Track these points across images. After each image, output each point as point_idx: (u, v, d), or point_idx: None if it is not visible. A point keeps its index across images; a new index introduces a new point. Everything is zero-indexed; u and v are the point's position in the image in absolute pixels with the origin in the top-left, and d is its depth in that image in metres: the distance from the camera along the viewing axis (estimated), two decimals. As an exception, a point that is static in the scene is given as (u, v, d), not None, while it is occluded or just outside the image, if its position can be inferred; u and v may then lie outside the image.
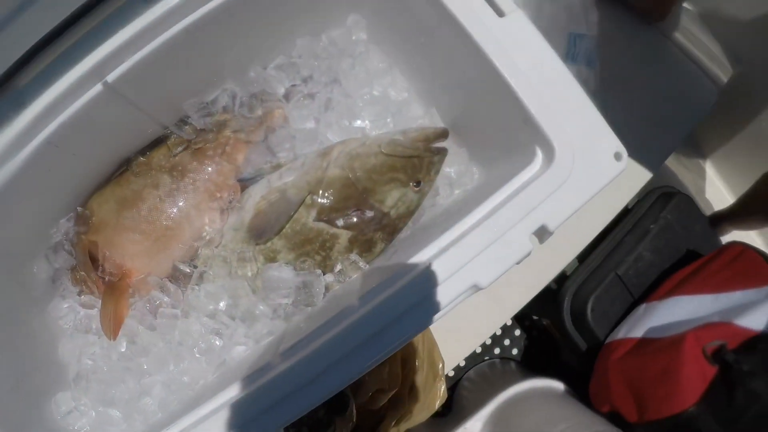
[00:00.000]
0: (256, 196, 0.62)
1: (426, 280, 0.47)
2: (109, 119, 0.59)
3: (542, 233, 0.48)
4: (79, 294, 0.69)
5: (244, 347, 0.63)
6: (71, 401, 0.63)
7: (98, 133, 0.60)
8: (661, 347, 0.73)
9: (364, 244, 0.60)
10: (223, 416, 0.47)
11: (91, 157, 0.63)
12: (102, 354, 0.66)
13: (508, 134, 0.55)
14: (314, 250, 0.59)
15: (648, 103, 0.92)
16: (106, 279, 0.66)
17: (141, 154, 0.65)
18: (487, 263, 0.46)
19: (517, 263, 0.48)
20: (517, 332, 1.14)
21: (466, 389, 0.95)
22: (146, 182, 0.64)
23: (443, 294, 0.47)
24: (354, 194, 0.58)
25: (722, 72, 0.97)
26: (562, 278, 0.88)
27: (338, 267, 0.60)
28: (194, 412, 0.49)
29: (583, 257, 0.87)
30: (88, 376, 0.64)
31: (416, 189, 0.59)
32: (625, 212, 0.90)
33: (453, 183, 0.63)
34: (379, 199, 0.58)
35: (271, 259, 0.61)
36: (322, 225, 0.59)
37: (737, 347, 0.69)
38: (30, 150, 0.55)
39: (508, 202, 0.48)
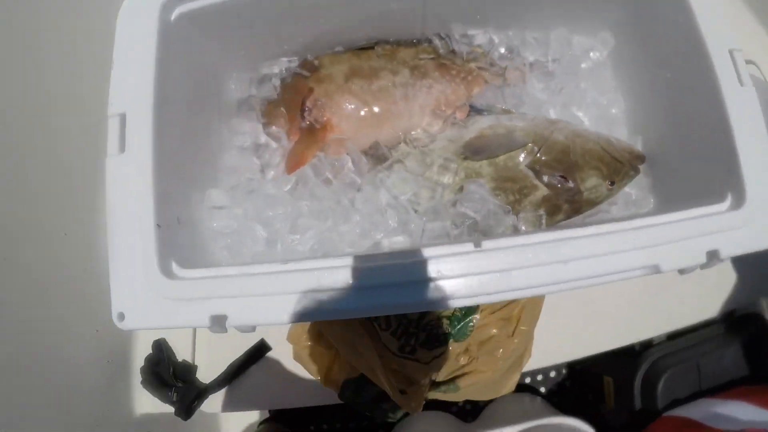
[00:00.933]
0: (483, 123, 0.71)
1: (611, 242, 0.54)
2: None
3: (713, 257, 0.55)
4: (265, 126, 0.75)
5: (405, 238, 0.70)
6: (224, 200, 0.67)
7: (383, 5, 0.69)
8: None
9: (551, 206, 0.69)
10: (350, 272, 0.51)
11: (354, 20, 0.71)
12: (262, 181, 0.72)
13: (703, 180, 0.65)
14: (512, 190, 0.68)
15: None
16: (307, 123, 0.74)
17: (389, 43, 0.75)
18: (667, 255, 0.54)
19: (683, 270, 0.56)
20: (567, 378, 1.23)
21: (499, 405, 1.02)
22: (386, 66, 0.73)
23: (627, 260, 0.54)
24: (566, 161, 0.68)
25: None
26: (647, 345, 0.98)
27: (522, 214, 0.71)
28: (329, 260, 0.53)
29: (673, 336, 0.97)
30: (248, 190, 0.69)
31: (609, 187, 0.70)
32: (730, 313, 0.99)
33: (629, 202, 0.73)
34: (582, 177, 0.69)
35: (471, 177, 0.69)
36: (530, 172, 0.68)
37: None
38: None
39: (695, 219, 0.56)
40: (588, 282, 0.54)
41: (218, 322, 0.52)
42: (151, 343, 0.92)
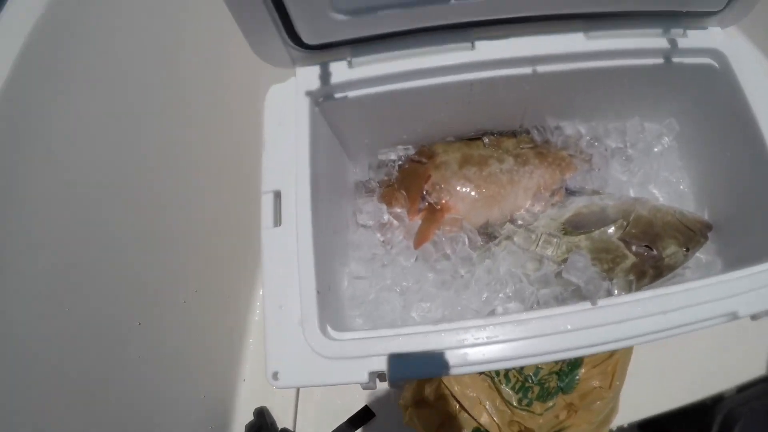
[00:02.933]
0: (579, 202, 0.90)
1: (700, 294, 0.70)
2: (506, 96, 0.90)
3: None
4: (388, 207, 0.96)
5: (517, 305, 0.91)
6: (363, 271, 0.86)
7: (491, 102, 0.90)
8: None
9: (639, 272, 0.87)
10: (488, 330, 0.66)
11: (470, 114, 0.92)
12: (386, 256, 0.91)
13: (763, 242, 0.84)
14: (606, 259, 0.87)
15: None
16: (428, 205, 0.96)
17: (495, 134, 0.98)
18: (745, 302, 0.69)
19: (755, 316, 0.70)
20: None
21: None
22: (493, 154, 0.93)
23: (707, 310, 0.69)
24: (650, 233, 0.87)
25: None
26: (718, 399, 1.12)
27: (615, 280, 0.93)
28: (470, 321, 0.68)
29: (742, 389, 1.13)
30: (381, 264, 0.89)
31: (685, 253, 0.89)
32: None
33: (700, 266, 0.92)
34: (663, 246, 0.87)
35: (571, 250, 0.88)
36: (620, 243, 0.87)
37: None
38: (453, 79, 0.84)
39: (762, 272, 0.71)
40: (681, 330, 0.69)
41: (374, 378, 0.65)
42: (253, 411, 1.08)
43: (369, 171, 0.96)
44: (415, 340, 0.66)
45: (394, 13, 0.74)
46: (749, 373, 1.13)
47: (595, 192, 0.94)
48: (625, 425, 1.39)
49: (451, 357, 0.65)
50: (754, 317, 0.70)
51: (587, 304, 0.68)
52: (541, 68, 0.87)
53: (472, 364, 0.65)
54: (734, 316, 0.68)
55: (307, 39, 0.78)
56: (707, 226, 0.93)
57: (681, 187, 0.99)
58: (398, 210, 0.92)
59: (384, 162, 0.96)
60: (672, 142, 1.01)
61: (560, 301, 0.87)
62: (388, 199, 0.93)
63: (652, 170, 0.98)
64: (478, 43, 0.84)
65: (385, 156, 0.96)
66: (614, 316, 0.67)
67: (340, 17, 0.73)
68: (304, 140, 0.78)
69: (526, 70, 0.86)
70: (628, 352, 0.97)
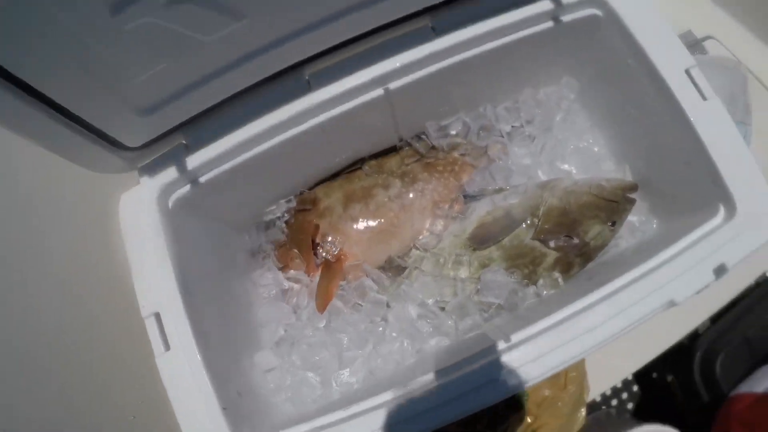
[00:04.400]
0: (481, 210, 0.82)
1: (625, 296, 0.66)
2: (369, 121, 0.81)
3: (721, 270, 0.67)
4: (283, 270, 0.91)
5: (443, 338, 0.86)
6: (273, 360, 0.80)
7: (355, 130, 0.81)
8: None
9: (565, 265, 0.80)
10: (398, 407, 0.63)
11: (338, 148, 0.84)
12: (299, 325, 0.84)
13: (693, 194, 0.76)
14: (524, 264, 0.80)
15: None
16: (323, 259, 0.89)
17: (374, 158, 0.88)
18: (680, 287, 0.66)
19: (697, 291, 0.67)
20: (635, 388, 1.37)
21: None
22: (377, 182, 0.85)
23: (641, 308, 0.65)
24: (566, 222, 0.79)
25: None
26: (694, 336, 1.11)
27: (540, 281, 0.86)
28: (372, 399, 0.64)
29: (715, 319, 1.11)
30: (290, 342, 0.82)
31: (611, 228, 0.81)
32: (759, 284, 1.14)
33: (634, 230, 0.84)
34: (584, 230, 0.80)
35: (485, 265, 0.80)
36: (536, 243, 0.79)
37: None
38: (301, 129, 0.76)
39: (697, 243, 0.68)
40: (613, 339, 0.65)
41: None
42: None
43: (260, 235, 0.89)
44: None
45: (205, 87, 0.68)
46: (718, 302, 1.08)
47: (498, 190, 0.86)
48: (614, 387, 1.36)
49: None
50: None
51: (502, 342, 0.66)
52: (394, 85, 0.79)
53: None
54: (672, 304, 0.66)
55: (131, 143, 0.71)
56: (631, 188, 0.85)
57: (595, 149, 0.90)
58: (294, 272, 0.85)
59: (272, 221, 0.89)
60: (574, 104, 0.91)
61: (484, 326, 0.81)
62: (283, 260, 0.87)
63: (558, 142, 0.88)
64: (314, 81, 0.76)
65: (271, 215, 0.89)
66: (531, 353, 0.65)
67: (151, 111, 0.67)
68: (163, 251, 0.72)
69: (377, 92, 0.78)
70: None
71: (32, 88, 0.54)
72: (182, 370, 0.67)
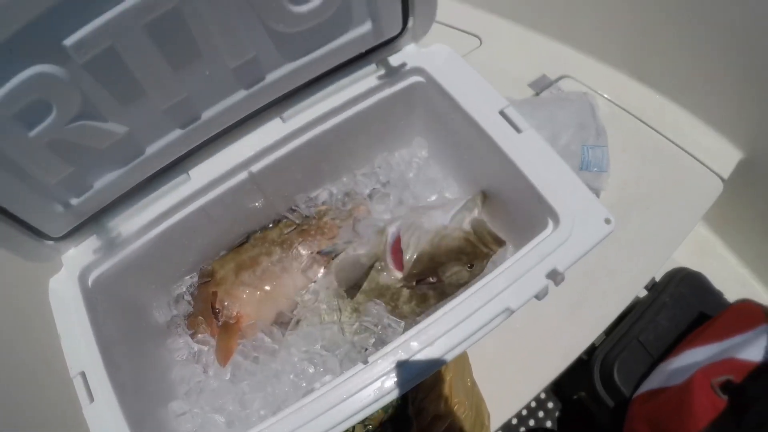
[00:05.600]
0: (337, 261, 0.97)
1: (467, 307, 0.75)
2: (243, 201, 0.97)
3: (554, 275, 0.76)
4: (193, 336, 1.06)
5: (330, 376, 0.99)
6: (184, 406, 0.93)
7: (234, 210, 0.97)
8: (676, 389, 1.00)
9: (420, 297, 0.93)
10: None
11: (226, 227, 1.01)
12: (207, 380, 0.98)
13: (529, 216, 0.86)
14: (386, 301, 0.93)
15: (657, 198, 1.31)
16: (221, 321, 1.05)
17: (259, 230, 1.05)
18: (514, 294, 0.75)
19: (537, 297, 0.76)
20: (551, 404, 1.45)
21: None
22: (261, 251, 1.01)
23: (482, 315, 0.74)
24: (432, 266, 0.92)
25: (725, 163, 1.34)
26: (592, 350, 1.20)
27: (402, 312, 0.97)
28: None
29: (609, 332, 1.20)
30: (198, 391, 0.96)
31: (468, 269, 0.93)
32: (652, 283, 1.25)
33: (495, 261, 0.95)
34: (443, 270, 0.92)
35: (355, 309, 0.94)
36: (390, 281, 0.93)
37: (742, 380, 0.93)
38: (187, 212, 0.92)
39: (527, 253, 0.77)
40: (459, 348, 0.74)
41: None
42: None
43: (171, 308, 1.06)
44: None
45: (107, 185, 0.85)
46: (611, 312, 1.19)
47: (347, 243, 1.00)
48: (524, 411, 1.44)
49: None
50: (537, 297, 0.77)
51: (360, 365, 0.75)
52: (256, 167, 0.95)
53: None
54: (509, 311, 0.74)
55: (53, 233, 0.87)
56: (499, 241, 0.96)
57: (447, 195, 1.05)
58: (202, 335, 1.01)
59: (180, 295, 1.05)
60: (425, 160, 1.06)
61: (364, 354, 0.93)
62: (192, 326, 1.02)
63: (412, 195, 1.03)
64: (192, 172, 0.93)
65: (179, 289, 1.05)
66: (381, 370, 0.74)
67: (66, 206, 0.84)
68: (85, 321, 0.86)
69: (242, 175, 0.95)
70: (460, 368, 1.03)
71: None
72: (105, 417, 0.79)
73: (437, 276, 0.95)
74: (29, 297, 0.98)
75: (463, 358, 1.06)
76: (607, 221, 0.79)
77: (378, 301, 0.97)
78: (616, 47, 1.42)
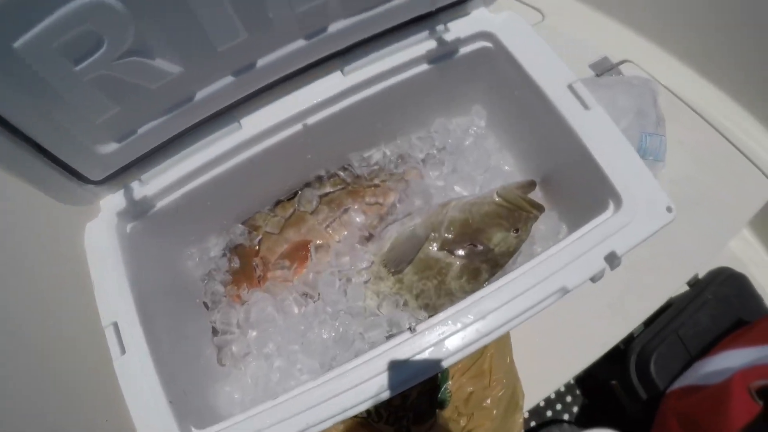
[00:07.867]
0: (392, 232, 0.94)
1: (522, 283, 0.74)
2: (294, 155, 0.94)
3: (612, 258, 0.74)
4: (226, 285, 1.01)
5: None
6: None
7: (284, 163, 0.94)
8: (713, 390, 0.99)
9: (472, 271, 0.89)
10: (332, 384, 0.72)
11: (270, 181, 0.99)
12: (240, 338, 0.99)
13: (588, 194, 0.84)
14: (433, 275, 0.89)
15: (707, 195, 1.27)
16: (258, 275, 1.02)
17: (307, 186, 1.03)
18: (571, 274, 0.73)
19: (592, 279, 0.74)
20: (578, 392, 1.46)
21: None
22: (308, 209, 0.99)
23: (537, 293, 0.73)
24: (469, 232, 0.89)
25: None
26: (629, 340, 1.19)
27: (454, 290, 0.90)
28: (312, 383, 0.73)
29: (648, 323, 1.19)
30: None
31: (516, 234, 0.89)
32: (695, 279, 1.23)
33: (547, 237, 0.94)
34: (488, 237, 0.88)
35: (400, 279, 0.92)
36: (440, 254, 0.89)
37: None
38: (234, 163, 0.89)
39: (587, 233, 0.76)
40: (510, 324, 0.73)
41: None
42: None
43: (209, 261, 1.03)
44: (262, 419, 0.73)
45: (153, 128, 0.81)
46: (652, 304, 1.17)
47: (408, 214, 0.97)
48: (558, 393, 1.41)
49: (303, 420, 0.72)
50: (593, 279, 0.75)
51: (407, 333, 0.74)
52: (312, 119, 0.92)
53: (326, 419, 0.71)
54: (564, 291, 0.73)
55: (93, 177, 0.85)
56: (529, 185, 0.94)
57: (506, 168, 1.02)
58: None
59: (221, 248, 1.03)
60: (483, 130, 1.02)
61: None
62: (234, 282, 1.00)
63: (468, 164, 0.99)
64: (244, 120, 0.89)
65: (219, 243, 1.03)
66: (432, 338, 0.73)
67: (109, 149, 0.80)
68: (121, 270, 0.84)
69: (296, 127, 0.92)
70: (501, 345, 1.00)
71: (10, 125, 0.67)
72: (135, 370, 0.77)
73: (482, 243, 0.91)
74: (63, 241, 0.96)
75: (505, 336, 1.04)
76: (669, 209, 0.77)
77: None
78: (683, 37, 1.37)
